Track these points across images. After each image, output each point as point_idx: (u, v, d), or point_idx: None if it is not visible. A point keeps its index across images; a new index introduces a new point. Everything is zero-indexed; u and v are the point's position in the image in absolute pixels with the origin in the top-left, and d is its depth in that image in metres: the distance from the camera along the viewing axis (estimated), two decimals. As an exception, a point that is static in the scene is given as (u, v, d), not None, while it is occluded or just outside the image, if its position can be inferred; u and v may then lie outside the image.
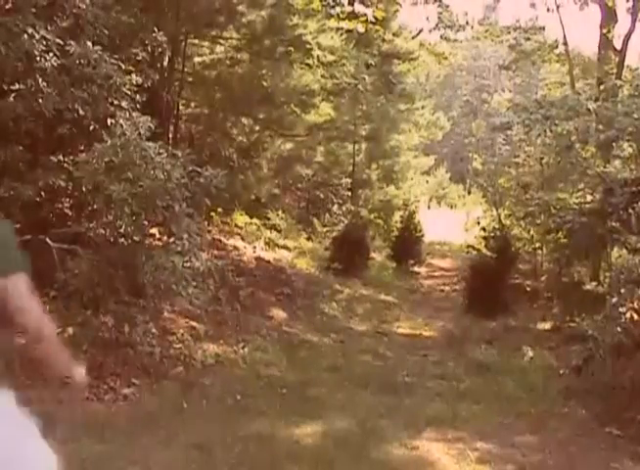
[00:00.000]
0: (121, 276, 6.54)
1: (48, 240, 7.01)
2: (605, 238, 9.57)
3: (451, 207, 37.60)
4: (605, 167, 10.43)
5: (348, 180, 20.40)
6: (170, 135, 11.68)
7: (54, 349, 2.55)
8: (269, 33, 12.04)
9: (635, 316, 6.84)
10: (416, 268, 18.11)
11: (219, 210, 12.95)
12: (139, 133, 6.85)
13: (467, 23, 23.12)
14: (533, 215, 11.23)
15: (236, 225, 14.97)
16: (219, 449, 4.94)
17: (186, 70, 12.59)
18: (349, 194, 20.31)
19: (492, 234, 13.62)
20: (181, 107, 12.99)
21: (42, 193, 7.34)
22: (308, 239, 17.46)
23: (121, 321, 6.69)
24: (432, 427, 6.11)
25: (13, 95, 6.88)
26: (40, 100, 6.84)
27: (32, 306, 2.39)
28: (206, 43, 13.12)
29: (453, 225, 24.37)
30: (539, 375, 8.07)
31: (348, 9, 15.01)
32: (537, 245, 13.79)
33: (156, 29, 8.78)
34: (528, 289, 13.23)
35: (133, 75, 7.67)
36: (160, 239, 7.46)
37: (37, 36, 6.71)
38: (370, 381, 7.71)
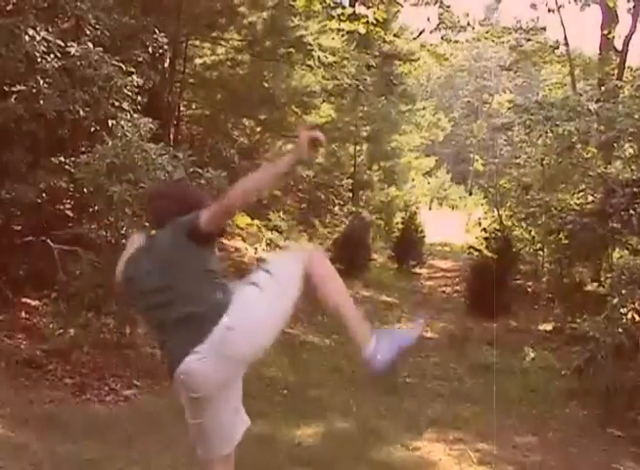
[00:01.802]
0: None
1: (49, 241, 7.01)
2: (606, 239, 9.56)
3: (452, 208, 37.60)
4: (606, 168, 10.42)
5: (350, 181, 20.41)
6: (171, 136, 11.69)
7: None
8: (270, 34, 12.06)
9: (636, 317, 6.84)
10: (417, 269, 18.09)
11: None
12: (140, 134, 6.86)
13: (468, 23, 23.04)
14: (534, 216, 11.22)
15: (237, 227, 14.97)
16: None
17: (187, 71, 12.61)
18: (350, 195, 20.32)
19: (493, 235, 13.59)
20: (182, 108, 13.01)
21: (43, 194, 7.35)
22: (309, 240, 17.46)
23: (123, 323, 6.70)
24: (433, 428, 6.11)
25: (14, 96, 6.89)
26: (41, 101, 6.85)
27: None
28: (208, 44, 13.14)
29: (454, 226, 24.37)
30: (540, 376, 8.07)
31: (349, 10, 15.03)
32: (538, 246, 13.76)
33: (157, 31, 8.78)
34: (530, 290, 13.22)
35: (134, 77, 7.66)
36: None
37: (38, 38, 6.71)
38: (371, 382, 7.70)
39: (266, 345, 2.90)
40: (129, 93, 7.53)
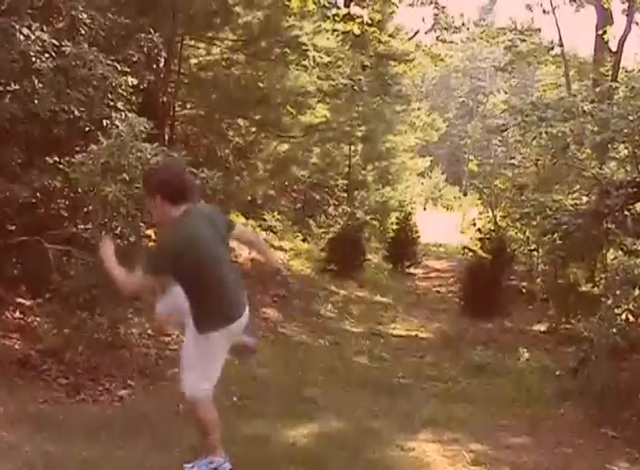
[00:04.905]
0: (117, 277, 6.51)
1: (43, 241, 6.99)
2: (600, 239, 9.58)
3: (447, 208, 37.69)
4: (600, 169, 10.44)
5: (344, 181, 20.42)
6: (166, 136, 11.66)
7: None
8: (265, 35, 12.05)
9: (630, 318, 6.84)
10: (412, 270, 18.13)
11: (215, 211, 12.90)
12: (135, 134, 6.83)
13: (463, 24, 23.13)
14: (529, 217, 11.21)
15: (232, 226, 14.90)
16: (215, 451, 4.92)
17: (182, 71, 12.58)
18: (345, 195, 20.34)
19: (488, 235, 13.62)
20: (177, 108, 12.98)
21: (38, 194, 7.31)
22: (304, 240, 17.47)
23: (117, 322, 6.68)
24: (427, 428, 6.11)
25: (8, 96, 6.86)
26: (36, 101, 6.82)
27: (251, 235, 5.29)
28: (203, 44, 13.11)
29: (449, 227, 24.38)
30: (535, 376, 8.08)
31: (344, 11, 15.04)
32: (533, 246, 13.79)
33: (152, 31, 8.76)
34: (524, 290, 13.25)
35: (129, 77, 7.64)
36: (155, 240, 7.44)
37: (33, 37, 6.69)
38: (366, 382, 7.72)
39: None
40: (124, 93, 7.51)
